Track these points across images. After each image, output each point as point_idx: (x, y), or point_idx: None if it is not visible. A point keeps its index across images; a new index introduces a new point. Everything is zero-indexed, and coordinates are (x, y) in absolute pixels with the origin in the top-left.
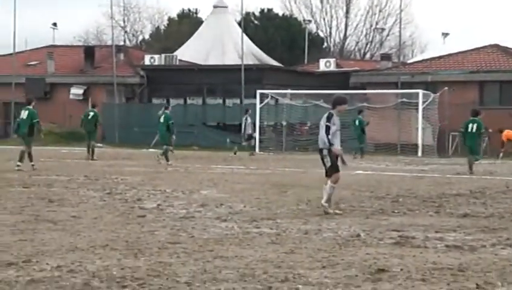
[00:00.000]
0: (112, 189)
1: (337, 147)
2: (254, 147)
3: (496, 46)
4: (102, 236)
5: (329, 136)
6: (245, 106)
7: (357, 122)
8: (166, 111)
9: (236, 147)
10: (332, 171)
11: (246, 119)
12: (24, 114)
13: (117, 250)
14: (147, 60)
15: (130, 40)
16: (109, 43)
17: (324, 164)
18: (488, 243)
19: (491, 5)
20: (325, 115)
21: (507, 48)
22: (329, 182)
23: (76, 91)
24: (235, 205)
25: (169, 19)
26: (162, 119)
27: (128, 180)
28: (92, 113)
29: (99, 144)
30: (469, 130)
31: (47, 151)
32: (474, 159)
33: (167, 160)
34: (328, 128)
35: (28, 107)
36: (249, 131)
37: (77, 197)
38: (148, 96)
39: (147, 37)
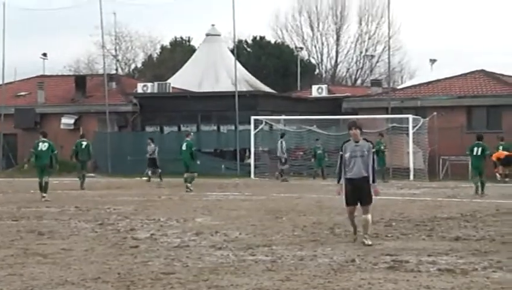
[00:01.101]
0: (104, 219)
1: (339, 184)
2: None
3: (482, 71)
4: (94, 268)
5: (338, 169)
6: (281, 131)
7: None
8: (187, 138)
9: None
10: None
11: (282, 143)
12: (44, 146)
13: (109, 283)
14: (140, 88)
15: (122, 69)
16: (101, 72)
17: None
18: (479, 266)
19: (477, 32)
20: None
21: (493, 73)
22: None
23: (68, 121)
24: (230, 232)
25: (162, 47)
26: (184, 147)
27: (120, 210)
28: (85, 143)
29: (91, 174)
30: (474, 153)
31: (37, 182)
32: (477, 182)
33: (190, 184)
34: (340, 159)
35: (44, 139)
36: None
37: (68, 229)
38: (141, 124)
39: (139, 65)
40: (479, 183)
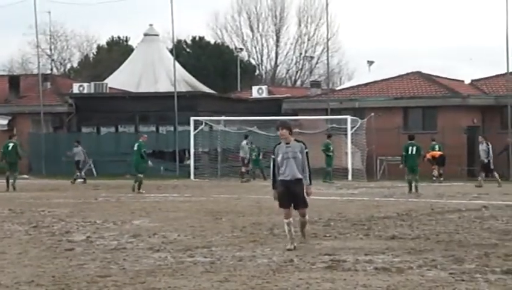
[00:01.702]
0: (38, 222)
1: (274, 190)
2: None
3: (418, 73)
4: (28, 272)
5: (272, 173)
6: (246, 132)
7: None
8: (140, 140)
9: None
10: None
11: (246, 144)
12: (11, 145)
13: (43, 286)
14: (76, 88)
15: (57, 69)
16: (35, 72)
17: None
18: (414, 264)
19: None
20: None
21: (429, 75)
22: None
23: (1, 121)
24: (169, 234)
25: (99, 47)
26: (135, 148)
27: (56, 212)
28: (11, 144)
29: (25, 176)
30: (409, 152)
31: None
32: (415, 181)
33: (139, 188)
34: (273, 162)
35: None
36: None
37: (1, 231)
38: (77, 125)
39: (75, 65)
40: (414, 182)
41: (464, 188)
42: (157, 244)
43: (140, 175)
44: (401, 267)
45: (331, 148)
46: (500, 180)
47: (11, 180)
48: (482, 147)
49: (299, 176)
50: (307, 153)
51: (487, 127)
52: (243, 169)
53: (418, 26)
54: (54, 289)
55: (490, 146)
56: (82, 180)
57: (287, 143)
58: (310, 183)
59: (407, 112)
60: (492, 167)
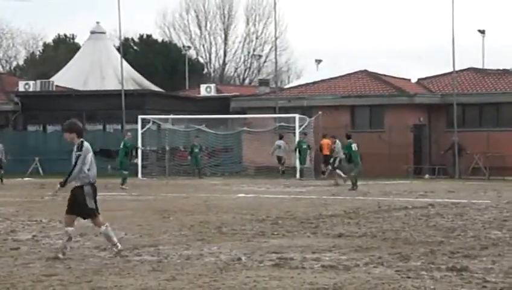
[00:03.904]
0: None
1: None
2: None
3: (365, 72)
4: None
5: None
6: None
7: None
8: (125, 138)
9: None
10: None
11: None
12: None
13: None
14: (21, 86)
15: (3, 66)
16: None
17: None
18: (361, 262)
19: (361, 34)
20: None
21: (376, 73)
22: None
23: None
24: (116, 233)
25: (45, 45)
26: (121, 145)
27: (1, 211)
28: None
29: None
30: (353, 149)
31: None
32: (353, 177)
33: (122, 183)
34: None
35: None
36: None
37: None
38: (23, 123)
39: (21, 63)
40: (354, 178)
41: (410, 186)
42: (104, 243)
43: (125, 172)
44: (347, 265)
45: (303, 145)
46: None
47: None
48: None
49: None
50: (78, 155)
51: (433, 126)
52: (281, 168)
53: (366, 26)
54: None
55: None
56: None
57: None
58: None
59: (354, 111)
60: (336, 164)
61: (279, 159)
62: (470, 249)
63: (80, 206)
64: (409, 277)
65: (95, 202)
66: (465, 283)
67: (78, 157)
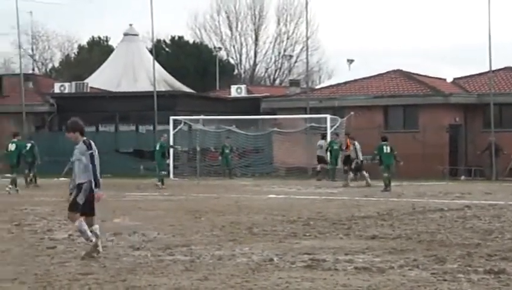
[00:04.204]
0: (20, 220)
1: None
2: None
3: (399, 71)
4: (11, 270)
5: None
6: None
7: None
8: (161, 139)
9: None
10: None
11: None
12: (12, 146)
13: (25, 284)
14: (57, 88)
15: (39, 69)
16: (17, 71)
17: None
18: (396, 264)
19: (394, 33)
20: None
21: (409, 73)
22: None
23: None
24: (149, 232)
25: (80, 47)
26: (157, 147)
27: (38, 210)
28: (29, 145)
29: (8, 175)
30: (384, 151)
31: None
32: (386, 179)
33: (162, 183)
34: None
35: (14, 140)
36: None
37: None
38: (59, 124)
39: (56, 65)
40: (387, 179)
41: (446, 187)
42: (138, 243)
43: (163, 172)
44: (382, 267)
45: (335, 146)
46: (370, 181)
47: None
48: (356, 147)
49: (79, 180)
50: (91, 154)
51: (470, 126)
52: (318, 167)
53: (399, 25)
54: (36, 287)
55: (359, 146)
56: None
57: (76, 144)
58: (97, 187)
59: (387, 111)
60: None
61: (320, 159)
62: (507, 252)
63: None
64: (445, 280)
65: (86, 201)
66: (503, 285)
67: (91, 156)
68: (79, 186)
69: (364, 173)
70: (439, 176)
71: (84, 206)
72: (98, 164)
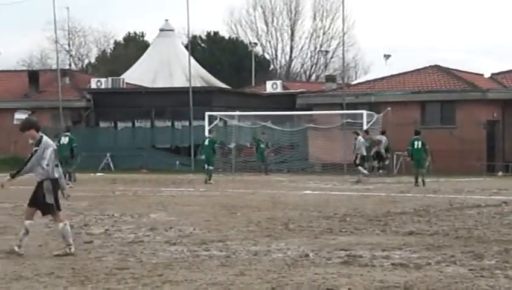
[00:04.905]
0: None
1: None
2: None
3: (436, 66)
4: (48, 264)
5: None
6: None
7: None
8: (210, 135)
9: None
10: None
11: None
12: (65, 140)
13: (63, 278)
14: (93, 83)
15: (75, 64)
16: (54, 67)
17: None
18: (433, 260)
19: (431, 28)
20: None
21: (447, 68)
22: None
23: (21, 116)
24: (185, 228)
25: (116, 42)
26: (207, 143)
27: (74, 205)
28: (67, 138)
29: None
30: (415, 146)
31: None
32: (421, 174)
33: (209, 179)
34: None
35: (67, 133)
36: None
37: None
38: (95, 120)
39: (92, 60)
40: (420, 176)
41: (483, 183)
42: (174, 238)
43: (211, 167)
44: (419, 263)
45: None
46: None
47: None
48: (360, 141)
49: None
50: (35, 150)
51: (508, 122)
52: (376, 165)
53: (435, 20)
54: (74, 281)
55: (362, 140)
56: None
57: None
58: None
59: (424, 107)
60: (358, 161)
61: (379, 155)
62: None
63: (38, 201)
64: (483, 276)
65: (56, 198)
66: None
67: (34, 152)
68: (40, 185)
69: (360, 168)
70: (476, 172)
71: (34, 201)
72: (49, 161)
